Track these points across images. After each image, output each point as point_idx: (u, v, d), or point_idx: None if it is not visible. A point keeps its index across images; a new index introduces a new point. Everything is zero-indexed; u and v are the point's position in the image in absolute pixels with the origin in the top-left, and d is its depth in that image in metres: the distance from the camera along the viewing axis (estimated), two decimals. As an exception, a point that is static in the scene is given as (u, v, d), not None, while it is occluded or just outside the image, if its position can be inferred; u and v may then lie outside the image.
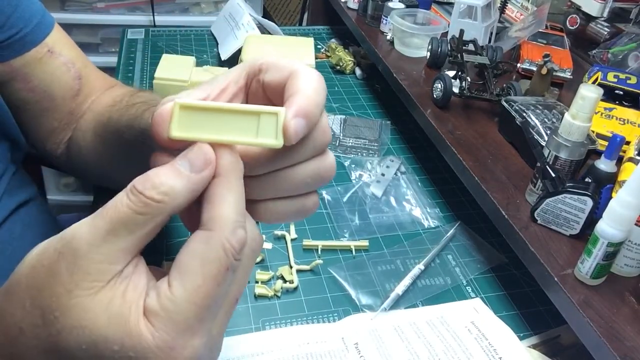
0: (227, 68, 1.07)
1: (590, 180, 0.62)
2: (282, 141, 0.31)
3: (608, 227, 0.53)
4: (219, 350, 0.32)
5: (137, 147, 0.53)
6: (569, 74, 0.93)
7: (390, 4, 1.09)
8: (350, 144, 0.96)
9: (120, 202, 0.29)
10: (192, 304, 0.29)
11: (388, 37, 1.09)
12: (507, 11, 1.12)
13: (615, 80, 0.83)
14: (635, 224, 0.54)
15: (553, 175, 0.63)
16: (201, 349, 0.30)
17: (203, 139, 0.31)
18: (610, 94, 0.82)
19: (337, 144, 0.95)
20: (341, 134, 0.97)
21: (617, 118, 0.78)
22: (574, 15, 1.08)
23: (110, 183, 0.72)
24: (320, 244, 0.75)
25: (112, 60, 1.32)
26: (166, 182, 0.29)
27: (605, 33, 1.02)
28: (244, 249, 0.31)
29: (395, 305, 0.67)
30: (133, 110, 0.55)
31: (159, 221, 0.29)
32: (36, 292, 0.29)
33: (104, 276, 0.29)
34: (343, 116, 1.02)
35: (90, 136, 0.65)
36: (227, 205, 0.30)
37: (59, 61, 0.67)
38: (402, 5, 1.10)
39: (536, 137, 0.71)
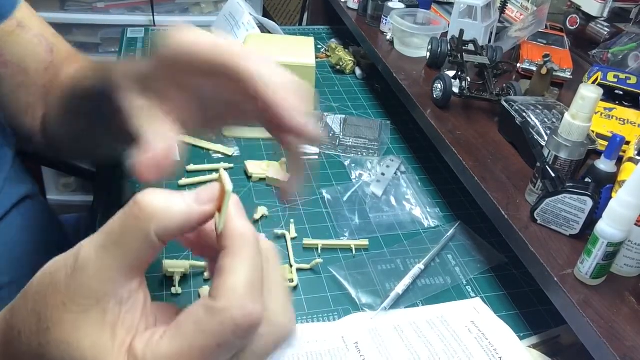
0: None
1: (590, 180, 0.62)
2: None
3: (608, 227, 0.53)
4: None
5: (105, 104, 0.51)
6: (569, 74, 0.93)
7: (390, 4, 1.09)
8: (350, 143, 0.96)
9: (115, 216, 0.29)
10: None
11: (388, 37, 1.09)
12: (507, 11, 1.12)
13: (615, 80, 0.83)
14: (635, 224, 0.54)
15: (553, 175, 0.63)
16: None
17: None
18: (610, 94, 0.82)
19: (337, 144, 0.96)
20: (341, 134, 0.97)
21: (617, 118, 0.78)
22: (574, 15, 1.08)
23: (84, 156, 0.71)
24: (320, 243, 0.75)
25: (111, 60, 1.32)
26: (163, 200, 0.28)
27: (605, 33, 1.03)
28: (253, 329, 0.28)
29: (396, 304, 0.67)
30: (100, 73, 0.53)
31: (149, 240, 0.28)
32: (38, 297, 0.29)
33: (95, 294, 0.28)
34: (343, 116, 1.02)
35: (59, 106, 0.63)
36: (236, 276, 0.28)
37: (30, 34, 0.65)
38: (402, 5, 1.10)
39: (536, 137, 0.71)
